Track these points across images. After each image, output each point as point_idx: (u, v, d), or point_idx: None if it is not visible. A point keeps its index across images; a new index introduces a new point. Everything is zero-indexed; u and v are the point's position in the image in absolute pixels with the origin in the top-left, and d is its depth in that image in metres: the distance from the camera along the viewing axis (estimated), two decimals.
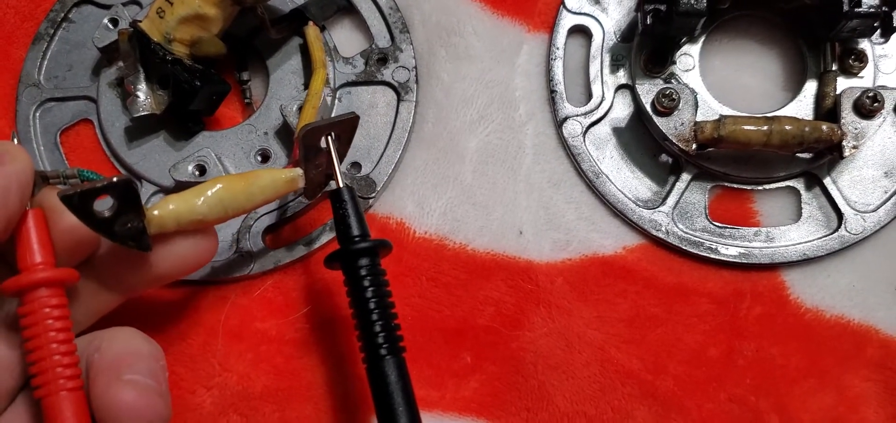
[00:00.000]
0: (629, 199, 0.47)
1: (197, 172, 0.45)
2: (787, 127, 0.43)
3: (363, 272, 0.38)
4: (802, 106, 0.46)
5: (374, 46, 0.48)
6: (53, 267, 0.32)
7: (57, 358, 0.31)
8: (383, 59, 0.48)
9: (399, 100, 0.48)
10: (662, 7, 0.44)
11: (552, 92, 0.48)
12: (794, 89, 0.47)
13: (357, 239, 0.38)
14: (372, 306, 0.37)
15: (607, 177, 0.47)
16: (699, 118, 0.45)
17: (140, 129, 0.47)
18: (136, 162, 0.46)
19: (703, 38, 0.48)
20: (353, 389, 0.44)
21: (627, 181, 0.47)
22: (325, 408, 0.44)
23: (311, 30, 0.46)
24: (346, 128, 0.40)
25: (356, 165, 0.46)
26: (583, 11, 0.49)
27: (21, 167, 0.32)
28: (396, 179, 0.46)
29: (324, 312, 0.45)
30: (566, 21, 0.49)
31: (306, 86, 0.47)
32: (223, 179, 0.37)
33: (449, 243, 0.46)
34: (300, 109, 0.45)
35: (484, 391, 0.44)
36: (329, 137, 0.39)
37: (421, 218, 0.46)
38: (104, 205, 0.33)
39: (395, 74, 0.48)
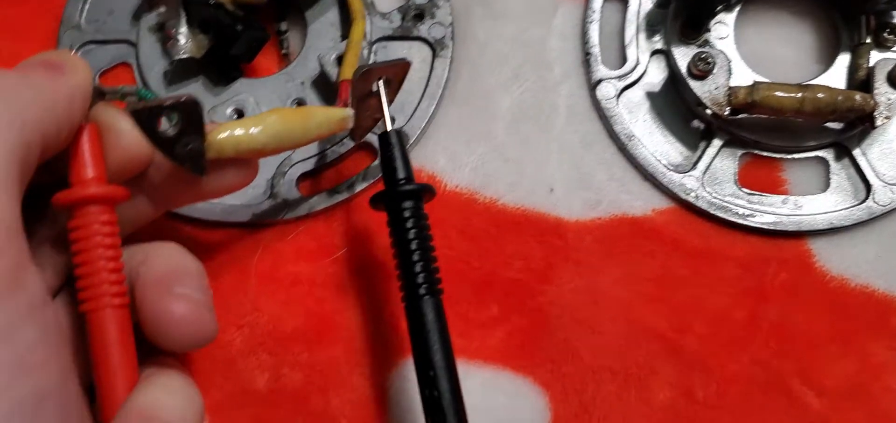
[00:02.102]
0: (660, 162, 0.47)
1: (235, 116, 0.45)
2: (820, 95, 0.44)
3: (407, 214, 0.38)
4: (835, 78, 0.47)
5: (411, 2, 0.49)
6: (105, 183, 0.32)
7: (104, 275, 0.31)
8: (420, 16, 0.48)
9: (434, 56, 0.48)
10: None
11: (587, 54, 0.49)
12: (827, 62, 0.48)
13: (403, 181, 0.39)
14: (414, 247, 0.38)
15: (639, 140, 0.47)
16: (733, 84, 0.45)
17: (179, 73, 0.47)
18: None
19: (738, 8, 0.48)
20: (381, 333, 0.44)
21: (659, 145, 0.48)
22: (353, 350, 0.44)
23: None
24: (397, 73, 0.40)
25: (391, 118, 0.47)
26: None
27: (83, 79, 0.32)
28: (429, 134, 0.47)
29: (356, 258, 0.46)
30: None
31: (343, 38, 0.48)
32: (279, 112, 0.37)
33: (479, 197, 0.46)
34: (339, 58, 0.45)
35: (510, 342, 0.44)
36: (380, 82, 0.39)
37: (452, 172, 0.47)
38: (169, 123, 0.33)
39: (431, 31, 0.48)
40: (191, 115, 0.33)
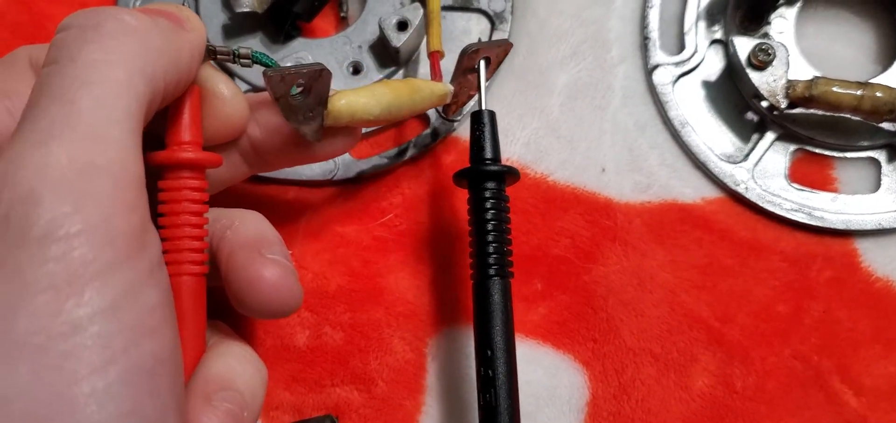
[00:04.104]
0: (712, 152, 0.47)
1: None
2: (879, 94, 0.44)
3: (488, 194, 0.39)
4: (893, 79, 0.46)
5: None
6: (200, 149, 0.32)
7: (187, 242, 0.31)
8: None
9: (493, 28, 0.48)
10: None
11: (645, 38, 0.49)
12: (886, 63, 0.48)
13: (488, 161, 0.39)
14: (490, 227, 0.38)
15: (692, 128, 0.47)
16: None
17: (238, 27, 0.48)
18: None
19: (799, 3, 0.48)
20: (424, 299, 0.45)
21: (711, 134, 0.48)
22: (394, 314, 0.45)
23: None
24: (500, 54, 0.41)
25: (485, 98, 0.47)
26: None
27: (201, 37, 0.32)
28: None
29: (403, 223, 0.46)
30: None
31: (404, 4, 0.48)
32: (388, 85, 0.38)
33: (530, 171, 0.46)
34: (400, 24, 0.46)
35: (552, 318, 0.44)
36: (482, 61, 0.40)
37: (504, 145, 0.47)
38: (297, 90, 0.33)
39: (492, 3, 0.48)
40: (320, 83, 0.34)
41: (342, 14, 0.49)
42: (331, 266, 0.45)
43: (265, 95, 0.36)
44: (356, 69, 0.47)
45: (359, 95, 0.36)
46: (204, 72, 0.33)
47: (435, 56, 0.42)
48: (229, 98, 0.34)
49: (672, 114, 0.47)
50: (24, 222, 0.24)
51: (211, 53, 0.34)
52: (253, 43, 0.48)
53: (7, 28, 0.49)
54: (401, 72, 0.48)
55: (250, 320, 0.43)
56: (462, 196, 0.45)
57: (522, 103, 0.47)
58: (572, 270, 0.45)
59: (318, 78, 0.33)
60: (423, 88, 0.39)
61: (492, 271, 0.38)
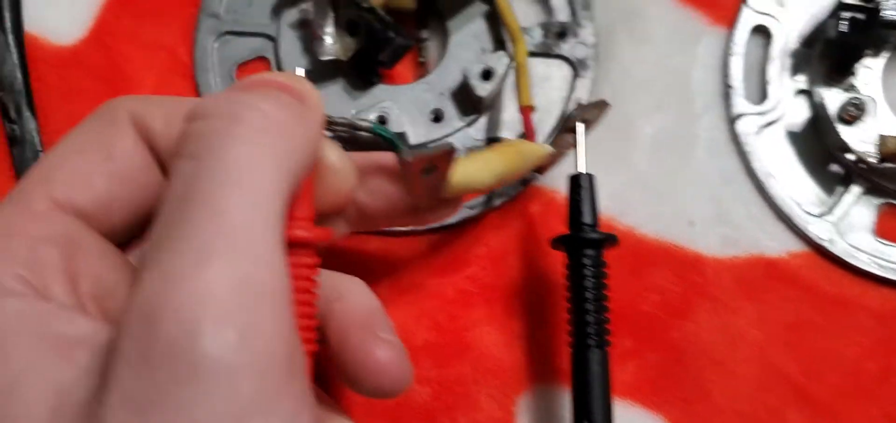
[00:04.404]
0: (796, 204, 0.46)
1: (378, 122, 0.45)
2: None
3: (587, 261, 0.38)
4: None
5: (553, 19, 0.48)
6: (313, 225, 0.31)
7: (299, 321, 0.30)
8: (562, 34, 0.48)
9: (575, 76, 0.47)
10: (862, 15, 0.44)
11: (728, 87, 0.48)
12: None
13: (588, 227, 0.39)
14: (589, 296, 0.38)
15: (777, 179, 0.47)
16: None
17: (319, 74, 0.47)
18: None
19: (888, 55, 0.47)
20: (512, 355, 0.44)
21: (796, 187, 0.47)
22: (482, 370, 0.44)
23: None
24: (598, 114, 0.41)
25: (523, 136, 0.46)
26: (765, 11, 0.49)
27: (321, 112, 0.30)
28: (567, 155, 0.46)
29: (489, 276, 0.45)
30: (747, 18, 0.49)
31: (486, 50, 0.47)
32: (500, 151, 0.38)
33: (618, 224, 0.46)
34: (485, 73, 0.45)
35: (641, 376, 0.44)
36: (581, 124, 0.40)
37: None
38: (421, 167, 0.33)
39: (574, 50, 0.48)
40: (447, 162, 0.33)
41: (421, 59, 0.48)
42: (416, 320, 0.44)
43: (374, 160, 0.35)
44: (437, 117, 0.46)
45: (474, 165, 0.36)
46: (324, 145, 0.32)
47: (527, 112, 0.42)
48: (341, 170, 0.32)
49: (756, 165, 0.47)
50: (190, 356, 0.22)
51: (327, 125, 0.32)
52: (334, 89, 0.47)
53: (84, 69, 0.48)
54: (482, 118, 0.47)
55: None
56: (545, 250, 0.45)
57: (607, 153, 0.46)
58: (662, 327, 0.44)
59: (447, 158, 0.33)
60: (529, 152, 0.39)
61: (591, 341, 0.38)
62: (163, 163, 0.31)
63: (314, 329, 0.31)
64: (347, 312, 0.33)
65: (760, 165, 0.47)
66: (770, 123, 0.48)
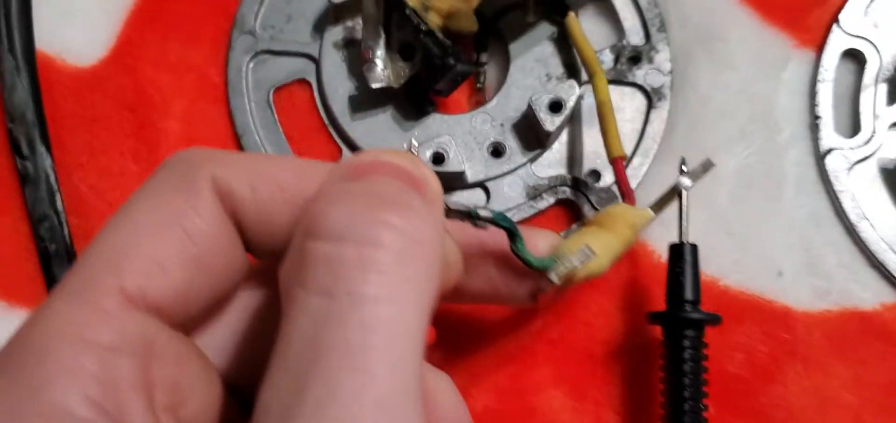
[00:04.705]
0: (892, 250, 0.42)
1: (432, 161, 0.40)
2: None
3: (686, 343, 0.34)
4: None
5: (626, 43, 0.43)
6: None
7: None
8: (636, 59, 0.43)
9: (650, 107, 0.43)
10: None
11: (816, 118, 0.43)
12: None
13: (689, 305, 0.35)
14: (687, 381, 0.34)
15: (870, 222, 0.42)
16: None
17: (367, 99, 0.42)
18: (360, 136, 0.42)
19: None
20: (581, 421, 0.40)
21: (891, 230, 0.42)
22: None
23: (575, 22, 0.41)
24: (702, 175, 0.37)
25: (595, 174, 0.42)
26: (858, 34, 0.44)
27: (441, 203, 0.26)
28: (640, 195, 0.42)
29: (553, 332, 0.41)
30: (838, 41, 0.44)
31: (551, 77, 0.43)
32: (613, 231, 0.35)
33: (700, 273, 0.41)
34: (553, 104, 0.40)
35: None
36: (686, 188, 0.36)
37: (666, 241, 0.41)
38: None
39: (648, 78, 0.43)
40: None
41: (478, 85, 0.44)
42: (473, 383, 0.40)
43: (479, 241, 0.31)
44: (497, 151, 0.42)
45: (597, 259, 0.33)
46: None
47: (620, 164, 0.37)
48: (453, 263, 0.29)
49: (847, 206, 0.42)
50: None
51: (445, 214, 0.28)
52: (383, 118, 0.42)
53: (104, 93, 0.43)
54: (546, 153, 0.42)
55: None
56: (614, 300, 0.41)
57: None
58: (748, 390, 0.40)
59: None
60: (639, 223, 0.35)
61: None
62: (246, 239, 0.26)
63: None
64: (433, 419, 0.28)
65: (852, 205, 0.42)
66: (863, 159, 0.43)
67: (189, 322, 0.26)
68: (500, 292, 0.32)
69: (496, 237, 0.31)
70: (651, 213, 0.36)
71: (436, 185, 0.25)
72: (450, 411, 0.28)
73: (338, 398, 0.20)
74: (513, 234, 0.30)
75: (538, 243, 0.32)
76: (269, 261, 0.26)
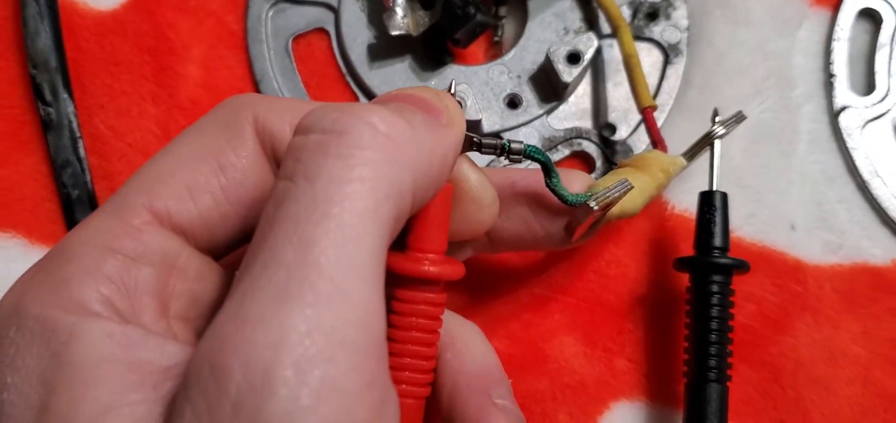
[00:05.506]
0: None
1: None
2: None
3: (714, 288, 0.35)
4: None
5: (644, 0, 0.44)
6: (445, 259, 0.27)
7: (415, 362, 0.27)
8: (653, 15, 0.43)
9: (666, 62, 0.43)
10: None
11: (830, 76, 0.44)
12: None
13: (717, 251, 0.35)
14: (713, 325, 0.35)
15: (882, 179, 0.42)
16: None
17: (385, 49, 0.43)
18: (377, 84, 0.42)
19: None
20: (593, 369, 0.40)
21: None
22: (560, 385, 0.40)
23: None
24: (734, 127, 0.38)
25: (610, 127, 0.42)
26: None
27: (460, 132, 0.26)
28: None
29: (566, 282, 0.41)
30: (854, 0, 0.44)
31: (569, 30, 0.43)
32: (649, 173, 0.35)
33: None
34: (571, 56, 0.40)
35: (737, 396, 0.40)
36: (718, 139, 0.37)
37: (679, 193, 0.42)
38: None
39: (665, 34, 0.43)
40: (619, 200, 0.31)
41: (496, 38, 0.44)
42: (487, 328, 0.40)
43: (512, 182, 0.32)
44: (513, 103, 0.42)
45: (631, 195, 0.32)
46: (465, 170, 0.28)
47: (650, 113, 0.37)
48: (482, 198, 0.28)
49: (860, 163, 0.42)
50: (256, 415, 0.19)
51: (473, 146, 0.28)
52: (401, 67, 0.43)
53: (125, 37, 0.43)
54: (563, 106, 0.42)
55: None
56: (626, 250, 0.41)
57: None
58: (759, 341, 0.40)
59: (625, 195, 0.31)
60: (673, 169, 0.36)
61: (712, 375, 0.34)
62: None
63: (430, 371, 0.28)
64: (461, 367, 0.29)
65: (864, 163, 0.43)
66: (876, 117, 0.44)
67: (217, 247, 0.27)
68: (535, 232, 0.33)
69: (528, 179, 0.31)
70: (684, 160, 0.36)
71: (456, 115, 0.26)
72: (478, 358, 0.29)
73: (280, 264, 0.21)
74: (548, 168, 0.30)
75: (572, 181, 0.32)
76: None
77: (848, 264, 0.42)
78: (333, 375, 0.20)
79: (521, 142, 0.28)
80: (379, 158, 0.22)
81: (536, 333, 0.41)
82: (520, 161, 0.29)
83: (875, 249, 0.42)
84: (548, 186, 0.30)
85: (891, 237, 0.43)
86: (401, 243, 0.26)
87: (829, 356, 0.41)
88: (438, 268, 0.26)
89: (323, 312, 0.20)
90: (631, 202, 0.33)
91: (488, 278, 0.41)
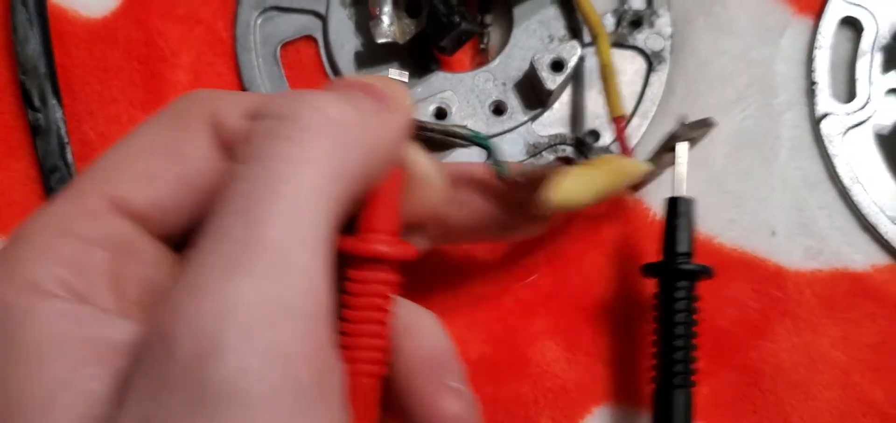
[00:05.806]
0: (883, 213, 0.43)
1: (435, 116, 0.41)
2: None
3: (679, 294, 0.35)
4: None
5: (627, 7, 0.44)
6: (396, 240, 0.28)
7: (369, 341, 0.27)
8: (637, 23, 0.44)
9: (649, 70, 0.44)
10: None
11: (812, 83, 0.44)
12: None
13: (682, 258, 0.36)
14: (678, 331, 0.35)
15: (863, 186, 0.43)
16: None
17: (372, 56, 0.43)
18: None
19: None
20: (574, 372, 0.41)
21: (883, 194, 0.43)
22: (542, 389, 0.41)
23: None
24: (701, 135, 0.38)
25: (594, 134, 0.43)
26: (856, 2, 0.45)
27: (407, 116, 0.27)
28: (637, 155, 0.43)
29: (548, 285, 0.42)
30: (836, 8, 0.45)
31: (553, 38, 0.43)
32: (601, 169, 0.35)
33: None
34: (554, 64, 0.41)
35: (716, 399, 0.41)
36: (685, 144, 0.37)
37: (661, 199, 0.42)
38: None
39: (649, 41, 0.44)
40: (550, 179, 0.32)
41: (482, 46, 0.44)
42: (470, 331, 0.41)
43: (464, 171, 0.33)
44: (499, 109, 0.43)
45: (575, 183, 0.33)
46: (414, 155, 0.29)
47: (620, 123, 0.38)
48: (430, 180, 0.29)
49: (841, 170, 0.43)
50: (205, 380, 0.20)
51: (419, 131, 0.29)
52: (387, 74, 0.43)
53: (115, 45, 0.44)
54: (547, 113, 0.43)
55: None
56: (612, 255, 0.42)
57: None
58: (739, 345, 0.41)
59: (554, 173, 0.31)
60: (631, 170, 0.36)
61: (677, 381, 0.35)
62: None
63: (385, 350, 0.28)
64: (415, 351, 0.29)
65: (845, 169, 0.43)
66: (857, 124, 0.44)
67: (173, 235, 0.28)
68: (487, 220, 0.34)
69: (479, 168, 0.32)
70: (645, 165, 0.37)
71: (403, 101, 0.27)
72: (433, 344, 0.30)
73: (230, 238, 0.22)
74: (488, 149, 0.31)
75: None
76: None
77: (828, 270, 0.42)
78: (281, 341, 0.21)
79: (468, 129, 0.29)
80: (327, 141, 0.24)
81: (519, 337, 0.41)
82: (466, 146, 0.29)
83: (855, 255, 0.43)
84: (490, 164, 0.31)
85: (871, 243, 0.43)
86: (354, 228, 0.27)
87: (809, 361, 0.41)
88: (388, 247, 0.27)
89: (271, 281, 0.21)
90: (576, 194, 0.33)
91: (471, 283, 0.42)
